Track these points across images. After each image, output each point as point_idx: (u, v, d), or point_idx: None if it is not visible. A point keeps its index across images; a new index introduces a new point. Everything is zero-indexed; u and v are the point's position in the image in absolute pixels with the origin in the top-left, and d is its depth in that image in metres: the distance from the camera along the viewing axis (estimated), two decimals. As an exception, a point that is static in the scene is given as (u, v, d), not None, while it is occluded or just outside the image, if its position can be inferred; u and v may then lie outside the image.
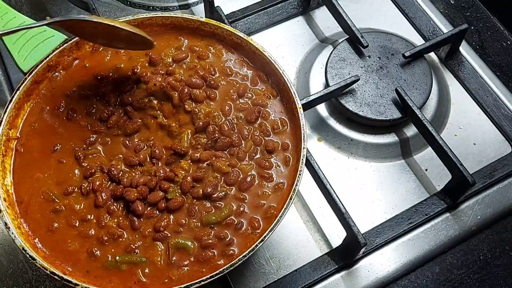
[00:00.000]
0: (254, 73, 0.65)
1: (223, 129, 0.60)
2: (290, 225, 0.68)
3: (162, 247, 0.55)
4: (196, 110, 0.62)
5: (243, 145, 0.60)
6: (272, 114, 0.62)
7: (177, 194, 0.57)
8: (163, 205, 0.56)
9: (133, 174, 0.58)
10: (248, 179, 0.58)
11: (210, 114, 0.62)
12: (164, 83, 0.63)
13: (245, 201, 0.57)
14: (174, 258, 0.54)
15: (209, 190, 0.57)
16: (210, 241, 0.55)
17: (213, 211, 0.56)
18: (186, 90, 0.62)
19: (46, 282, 0.65)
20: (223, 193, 0.57)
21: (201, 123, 0.61)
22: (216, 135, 0.60)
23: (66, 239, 0.55)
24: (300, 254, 0.66)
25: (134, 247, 0.55)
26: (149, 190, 0.57)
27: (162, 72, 0.64)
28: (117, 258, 0.54)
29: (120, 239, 0.55)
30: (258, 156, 0.60)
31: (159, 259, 0.54)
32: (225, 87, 0.64)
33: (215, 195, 0.57)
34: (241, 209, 0.57)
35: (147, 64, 0.65)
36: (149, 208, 0.56)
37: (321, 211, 0.69)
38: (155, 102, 0.62)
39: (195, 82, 0.63)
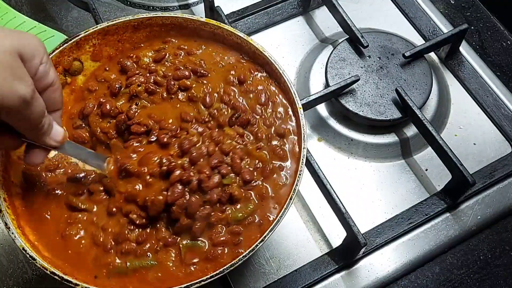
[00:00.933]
0: (252, 66, 0.64)
1: (236, 105, 0.60)
2: (290, 225, 0.68)
3: (174, 250, 0.54)
4: (193, 91, 0.61)
5: (258, 124, 0.60)
6: (278, 99, 0.62)
7: (234, 181, 0.55)
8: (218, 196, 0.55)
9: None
10: (270, 167, 0.57)
11: (212, 91, 0.61)
12: (150, 82, 0.62)
13: (268, 192, 0.56)
14: (186, 258, 0.54)
15: (247, 177, 0.55)
16: (223, 238, 0.54)
17: (238, 206, 0.55)
18: (173, 83, 0.61)
19: (46, 282, 0.64)
20: (257, 181, 0.56)
21: (208, 99, 0.60)
22: (239, 113, 0.59)
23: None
24: (300, 254, 0.66)
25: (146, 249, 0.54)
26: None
27: (141, 74, 0.63)
28: (128, 264, 0.53)
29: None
30: (273, 141, 0.59)
31: (170, 263, 0.54)
32: (220, 75, 0.63)
33: (252, 184, 0.56)
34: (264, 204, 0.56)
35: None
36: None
37: (321, 211, 0.69)
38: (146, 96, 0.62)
39: (182, 74, 0.62)
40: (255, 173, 0.56)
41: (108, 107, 0.60)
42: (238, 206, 0.55)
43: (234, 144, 0.57)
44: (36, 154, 0.51)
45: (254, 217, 0.55)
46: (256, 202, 0.56)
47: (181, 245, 0.54)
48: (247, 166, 0.57)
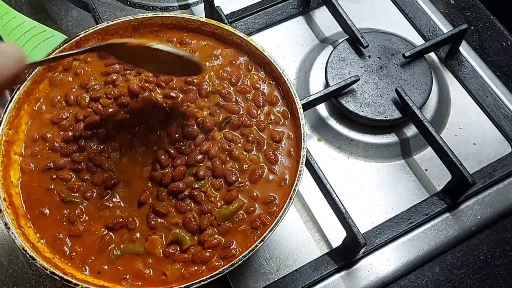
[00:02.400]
0: (251, 64, 0.64)
1: (230, 107, 0.61)
2: (290, 225, 0.68)
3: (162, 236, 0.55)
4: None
5: (254, 126, 0.60)
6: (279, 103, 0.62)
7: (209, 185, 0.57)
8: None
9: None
10: (259, 170, 0.58)
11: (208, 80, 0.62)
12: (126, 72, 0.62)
13: (255, 193, 0.57)
14: (170, 249, 0.54)
15: (233, 178, 0.57)
16: (214, 241, 0.54)
17: (224, 205, 0.56)
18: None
19: (46, 282, 0.65)
20: (243, 183, 0.57)
21: (204, 86, 0.61)
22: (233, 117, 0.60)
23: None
24: (300, 254, 0.66)
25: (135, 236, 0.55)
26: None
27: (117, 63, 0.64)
28: (121, 246, 0.54)
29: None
30: (265, 146, 0.59)
31: (158, 251, 0.54)
32: (214, 69, 0.63)
33: (236, 184, 0.57)
34: (252, 204, 0.56)
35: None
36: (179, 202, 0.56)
37: (321, 211, 0.69)
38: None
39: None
40: (238, 174, 0.57)
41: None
42: (224, 206, 0.56)
43: (218, 147, 0.58)
44: None
45: (244, 215, 0.56)
46: (246, 201, 0.56)
47: (171, 232, 0.55)
48: (231, 168, 0.57)
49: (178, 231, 0.55)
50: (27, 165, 0.58)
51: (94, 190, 0.57)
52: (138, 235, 0.55)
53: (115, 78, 0.62)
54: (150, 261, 0.54)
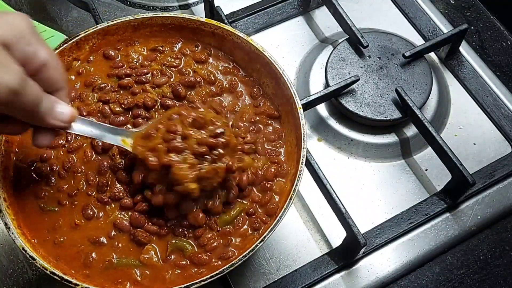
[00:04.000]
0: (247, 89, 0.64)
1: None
2: (290, 225, 0.68)
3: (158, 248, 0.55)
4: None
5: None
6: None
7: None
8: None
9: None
10: (260, 172, 0.58)
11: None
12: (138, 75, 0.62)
13: (256, 195, 0.57)
14: (171, 257, 0.54)
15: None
16: (214, 244, 0.54)
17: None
18: (180, 89, 0.61)
19: (46, 282, 0.64)
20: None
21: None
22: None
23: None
24: (300, 254, 0.66)
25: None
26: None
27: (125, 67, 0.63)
28: (114, 261, 0.53)
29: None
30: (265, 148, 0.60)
31: (156, 259, 0.54)
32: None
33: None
34: (253, 206, 0.56)
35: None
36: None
37: (321, 211, 0.69)
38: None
39: (189, 80, 0.62)
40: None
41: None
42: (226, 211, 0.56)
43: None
44: (42, 136, 0.48)
45: (244, 217, 0.56)
46: (246, 203, 0.56)
47: (169, 243, 0.54)
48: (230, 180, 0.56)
49: (175, 241, 0.54)
50: (17, 160, 0.57)
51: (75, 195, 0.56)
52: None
53: (130, 84, 0.62)
54: (148, 272, 0.53)
